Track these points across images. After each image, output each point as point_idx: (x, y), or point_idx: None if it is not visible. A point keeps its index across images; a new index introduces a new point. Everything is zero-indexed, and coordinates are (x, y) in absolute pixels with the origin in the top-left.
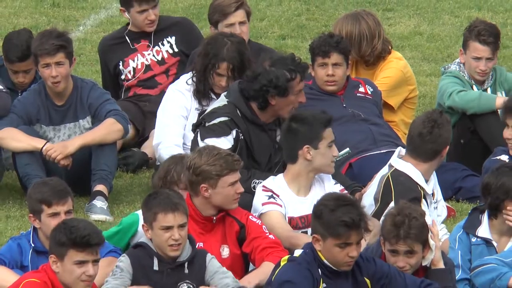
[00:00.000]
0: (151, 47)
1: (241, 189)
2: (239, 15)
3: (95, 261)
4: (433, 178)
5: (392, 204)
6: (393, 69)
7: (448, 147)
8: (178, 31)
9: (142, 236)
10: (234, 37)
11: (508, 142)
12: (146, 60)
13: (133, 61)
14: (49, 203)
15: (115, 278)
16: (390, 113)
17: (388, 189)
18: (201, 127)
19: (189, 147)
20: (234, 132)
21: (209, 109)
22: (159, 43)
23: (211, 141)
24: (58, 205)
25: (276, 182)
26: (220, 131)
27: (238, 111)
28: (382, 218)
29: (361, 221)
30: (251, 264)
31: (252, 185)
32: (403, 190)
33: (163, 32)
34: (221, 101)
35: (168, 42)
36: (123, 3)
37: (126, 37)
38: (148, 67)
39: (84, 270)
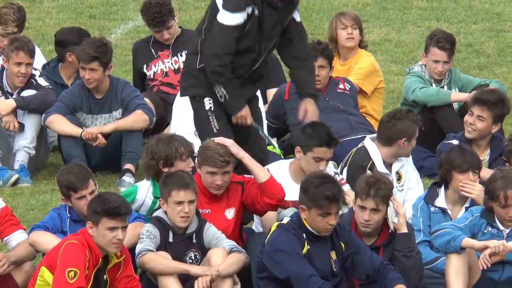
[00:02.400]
0: (171, 56)
1: (219, 182)
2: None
3: (124, 227)
4: (404, 165)
5: (346, 170)
6: (365, 62)
7: (404, 139)
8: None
9: (140, 203)
10: None
11: (469, 126)
12: (165, 67)
13: (155, 66)
14: (74, 189)
15: (150, 240)
16: (364, 100)
17: (349, 156)
18: None
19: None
20: (249, 9)
21: None
22: (178, 54)
23: (225, 14)
24: (82, 190)
25: (280, 168)
26: (237, 6)
27: None
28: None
29: (339, 195)
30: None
31: (216, 88)
32: (355, 158)
33: (183, 44)
34: None
35: (186, 54)
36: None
37: (151, 48)
38: (166, 74)
39: (115, 235)
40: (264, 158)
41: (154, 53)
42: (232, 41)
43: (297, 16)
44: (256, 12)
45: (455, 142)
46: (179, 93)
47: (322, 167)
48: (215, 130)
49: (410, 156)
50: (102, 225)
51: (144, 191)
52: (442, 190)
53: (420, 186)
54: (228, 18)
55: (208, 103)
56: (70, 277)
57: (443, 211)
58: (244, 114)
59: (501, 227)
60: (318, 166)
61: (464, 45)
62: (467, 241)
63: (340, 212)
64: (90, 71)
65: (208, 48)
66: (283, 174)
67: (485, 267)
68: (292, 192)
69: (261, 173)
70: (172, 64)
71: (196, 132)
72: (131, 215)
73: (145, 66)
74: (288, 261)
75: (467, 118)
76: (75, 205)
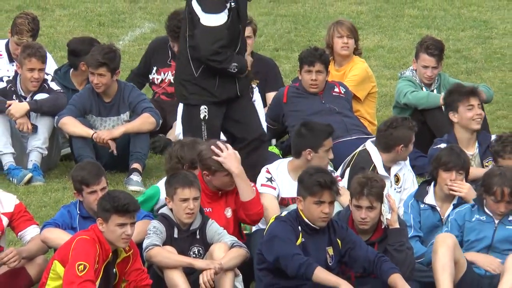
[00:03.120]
0: None
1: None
2: (247, 30)
3: (132, 224)
4: (402, 168)
5: (348, 171)
6: (359, 69)
7: (401, 146)
8: None
9: (163, 203)
10: None
11: (478, 117)
12: (172, 79)
13: (164, 74)
14: (87, 184)
15: (157, 235)
16: (358, 104)
17: (352, 157)
18: None
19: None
20: (228, 4)
21: None
22: None
23: (211, 17)
24: (94, 185)
25: (279, 167)
26: (220, 7)
27: None
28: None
29: (332, 184)
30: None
31: (230, 68)
32: (358, 160)
33: None
34: None
35: (176, 63)
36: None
37: (169, 49)
38: (171, 84)
39: (124, 230)
40: (263, 139)
41: (169, 58)
42: (224, 37)
43: None
44: (233, 4)
45: (443, 145)
46: None
47: (331, 155)
48: (204, 139)
49: (408, 159)
50: (112, 222)
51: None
52: (431, 188)
53: (415, 187)
54: (216, 20)
55: (203, 111)
56: (80, 270)
57: (432, 208)
58: (247, 65)
59: (492, 214)
60: (329, 156)
61: (453, 51)
62: (470, 256)
63: (337, 210)
64: (99, 76)
65: (204, 51)
66: (282, 173)
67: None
68: (290, 189)
69: (245, 193)
70: None
71: None
72: (140, 212)
73: (155, 68)
74: (278, 244)
75: (470, 113)
76: (86, 200)
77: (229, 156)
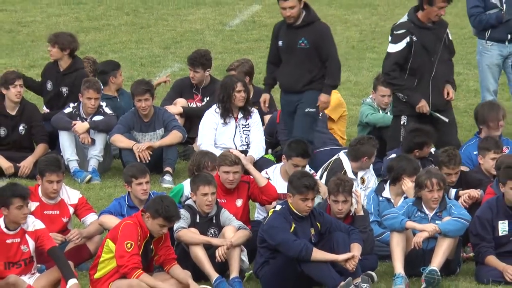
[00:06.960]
0: (200, 100)
1: (230, 178)
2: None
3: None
4: (367, 172)
5: (325, 173)
6: (333, 98)
7: (366, 158)
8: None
9: (186, 196)
10: (234, 75)
11: None
12: (195, 104)
13: (189, 104)
14: (136, 177)
15: (184, 220)
16: (332, 124)
17: (329, 164)
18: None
19: (219, 145)
20: (407, 39)
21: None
22: (205, 98)
23: (390, 46)
24: (141, 178)
25: (275, 171)
26: (396, 39)
27: (413, 24)
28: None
29: (315, 185)
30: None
31: (399, 95)
32: (333, 166)
33: (210, 91)
34: (403, 19)
35: (207, 100)
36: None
37: (192, 84)
38: None
39: (162, 229)
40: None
41: (192, 92)
42: (398, 62)
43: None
44: (414, 38)
45: (394, 155)
46: (203, 117)
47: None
48: (401, 139)
49: (371, 165)
50: (157, 221)
51: (188, 188)
52: (387, 185)
53: (376, 185)
54: (393, 47)
55: (403, 119)
56: (128, 247)
57: (388, 200)
58: (420, 105)
59: (427, 212)
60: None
61: None
62: (409, 223)
63: (318, 201)
64: (145, 101)
65: (383, 68)
66: (276, 175)
67: (418, 248)
68: (282, 187)
69: (260, 179)
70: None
71: (216, 145)
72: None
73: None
74: (277, 233)
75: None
76: (134, 190)
77: (243, 158)
